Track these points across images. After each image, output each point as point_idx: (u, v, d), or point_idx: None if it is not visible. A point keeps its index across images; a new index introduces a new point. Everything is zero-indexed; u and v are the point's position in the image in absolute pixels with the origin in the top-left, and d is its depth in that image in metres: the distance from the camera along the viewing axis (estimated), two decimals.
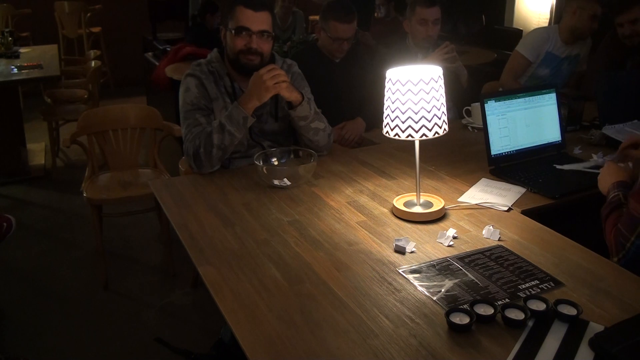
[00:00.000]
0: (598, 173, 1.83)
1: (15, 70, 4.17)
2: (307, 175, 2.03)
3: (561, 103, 2.27)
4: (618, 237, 1.54)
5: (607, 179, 1.75)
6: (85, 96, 4.63)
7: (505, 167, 2.11)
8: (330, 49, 2.84)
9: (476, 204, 1.84)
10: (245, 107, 2.03)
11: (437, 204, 1.78)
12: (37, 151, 4.72)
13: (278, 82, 2.01)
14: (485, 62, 4.47)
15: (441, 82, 1.67)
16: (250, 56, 2.12)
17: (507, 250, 1.55)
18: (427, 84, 1.62)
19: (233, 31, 2.11)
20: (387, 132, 1.71)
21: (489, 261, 1.50)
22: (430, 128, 1.64)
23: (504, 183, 2.00)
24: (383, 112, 1.71)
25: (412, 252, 1.55)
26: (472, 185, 1.99)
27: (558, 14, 5.33)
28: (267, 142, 2.27)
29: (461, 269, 1.46)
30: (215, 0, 5.08)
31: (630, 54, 3.07)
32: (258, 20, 2.10)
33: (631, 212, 1.51)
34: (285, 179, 1.98)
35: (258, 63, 2.12)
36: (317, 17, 3.02)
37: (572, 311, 1.25)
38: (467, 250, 1.56)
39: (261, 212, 1.81)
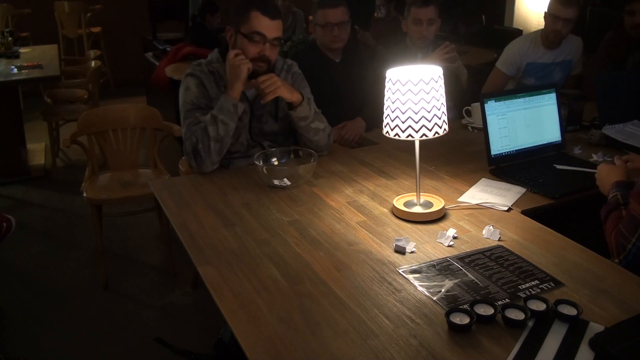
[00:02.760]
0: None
1: (15, 70, 4.17)
2: (307, 175, 2.03)
3: (561, 103, 2.27)
4: (619, 238, 1.53)
5: (606, 181, 1.77)
6: (85, 96, 4.63)
7: (505, 167, 2.11)
8: (325, 40, 2.81)
9: (476, 204, 1.84)
10: (231, 95, 2.04)
11: (437, 204, 1.78)
12: (37, 151, 4.72)
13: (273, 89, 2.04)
14: (485, 62, 4.47)
15: (441, 82, 1.67)
16: (260, 63, 2.12)
17: (507, 250, 1.55)
18: (427, 84, 1.62)
19: (246, 36, 2.09)
20: (387, 132, 1.71)
21: (489, 261, 1.50)
22: (430, 128, 1.64)
23: (504, 183, 2.00)
24: (383, 112, 1.72)
25: (412, 252, 1.55)
26: (472, 185, 1.99)
27: None
28: (267, 142, 2.27)
29: (461, 269, 1.46)
30: (215, 0, 5.08)
31: (631, 50, 3.05)
32: (273, 28, 2.08)
33: (632, 213, 1.51)
34: (285, 179, 1.98)
35: (265, 70, 2.12)
36: None
37: (572, 311, 1.25)
38: (467, 250, 1.56)
39: (261, 212, 1.81)
